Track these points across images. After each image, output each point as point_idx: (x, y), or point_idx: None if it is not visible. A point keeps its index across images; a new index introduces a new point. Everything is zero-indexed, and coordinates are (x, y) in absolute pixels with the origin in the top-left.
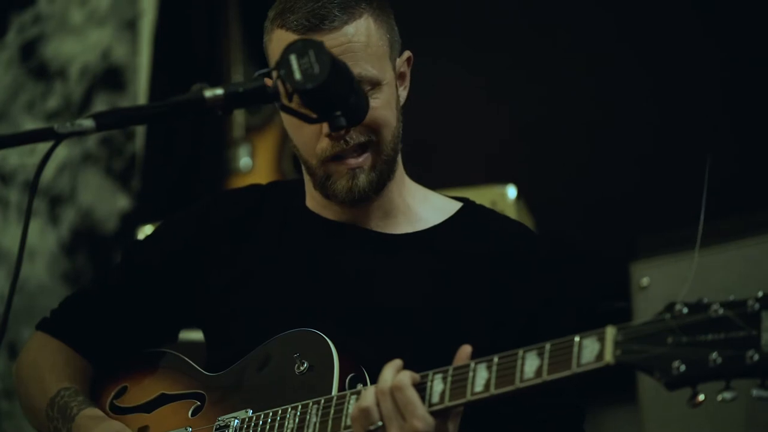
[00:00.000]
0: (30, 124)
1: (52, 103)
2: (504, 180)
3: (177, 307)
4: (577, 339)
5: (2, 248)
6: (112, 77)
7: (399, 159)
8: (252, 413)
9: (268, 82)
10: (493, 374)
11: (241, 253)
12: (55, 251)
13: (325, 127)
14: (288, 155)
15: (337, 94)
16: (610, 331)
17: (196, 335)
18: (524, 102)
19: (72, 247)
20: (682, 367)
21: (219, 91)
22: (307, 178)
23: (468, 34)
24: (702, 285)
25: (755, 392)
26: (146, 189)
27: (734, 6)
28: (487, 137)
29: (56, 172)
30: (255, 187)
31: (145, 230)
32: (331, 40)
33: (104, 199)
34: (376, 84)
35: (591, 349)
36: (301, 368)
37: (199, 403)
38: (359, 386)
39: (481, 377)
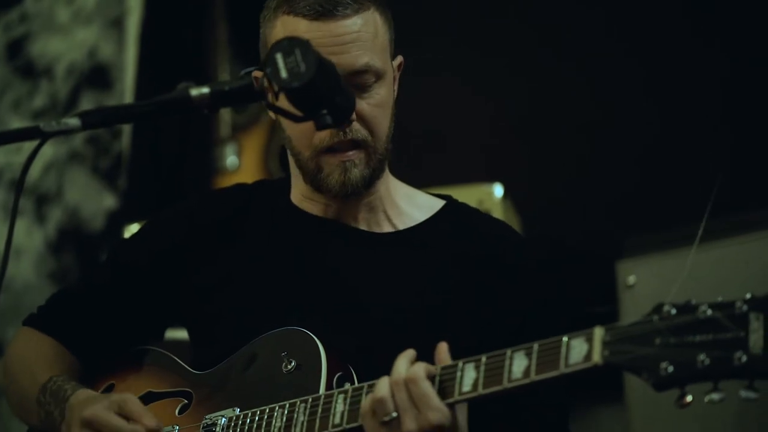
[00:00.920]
0: (16, 123)
1: (39, 101)
2: (491, 179)
3: (163, 306)
4: (565, 339)
5: None
6: (98, 76)
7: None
8: (239, 412)
9: (258, 74)
10: (481, 374)
11: (227, 252)
12: (42, 250)
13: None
14: (274, 154)
15: (323, 93)
16: (598, 332)
17: (183, 334)
18: (511, 100)
19: (58, 245)
20: (670, 368)
21: (205, 90)
22: (295, 172)
23: (456, 31)
24: (690, 285)
25: (743, 393)
26: (133, 188)
27: (732, 5)
28: (474, 136)
29: (43, 170)
30: (241, 187)
31: (132, 229)
32: (342, 28)
33: (91, 198)
34: (380, 77)
35: (579, 350)
36: (289, 367)
37: (186, 401)
38: (347, 385)
39: (468, 377)
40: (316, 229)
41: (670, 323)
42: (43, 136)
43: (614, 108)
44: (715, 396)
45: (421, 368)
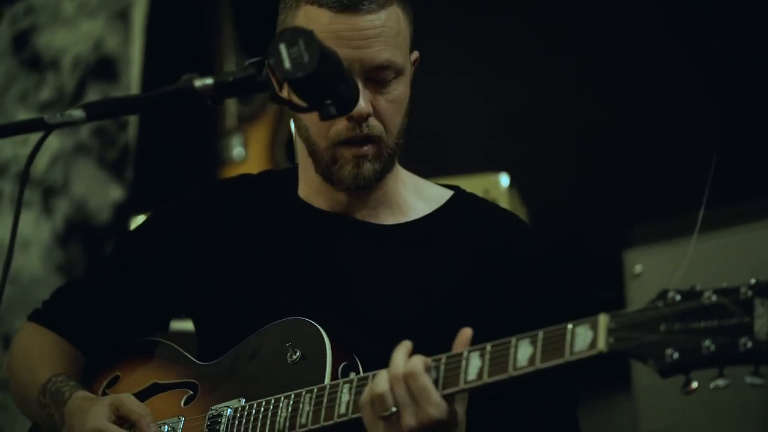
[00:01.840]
0: (23, 116)
1: (45, 94)
2: (497, 168)
3: (168, 298)
4: (570, 327)
5: None
6: (104, 68)
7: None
8: (245, 402)
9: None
10: (486, 362)
11: (232, 243)
12: (49, 242)
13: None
14: (280, 145)
15: (326, 83)
16: (603, 319)
17: (188, 325)
18: (518, 90)
19: (66, 238)
20: (676, 355)
21: (209, 81)
22: (304, 165)
23: (463, 24)
24: (694, 272)
25: (749, 379)
26: (139, 179)
27: (729, 2)
28: (480, 125)
29: (49, 163)
30: (246, 177)
31: (139, 221)
32: (366, 22)
33: (97, 190)
34: (399, 73)
35: (584, 337)
36: (294, 357)
37: (191, 392)
38: (352, 374)
39: (474, 365)
40: (322, 223)
41: (675, 309)
42: (47, 128)
43: (621, 98)
44: (721, 382)
45: (419, 361)
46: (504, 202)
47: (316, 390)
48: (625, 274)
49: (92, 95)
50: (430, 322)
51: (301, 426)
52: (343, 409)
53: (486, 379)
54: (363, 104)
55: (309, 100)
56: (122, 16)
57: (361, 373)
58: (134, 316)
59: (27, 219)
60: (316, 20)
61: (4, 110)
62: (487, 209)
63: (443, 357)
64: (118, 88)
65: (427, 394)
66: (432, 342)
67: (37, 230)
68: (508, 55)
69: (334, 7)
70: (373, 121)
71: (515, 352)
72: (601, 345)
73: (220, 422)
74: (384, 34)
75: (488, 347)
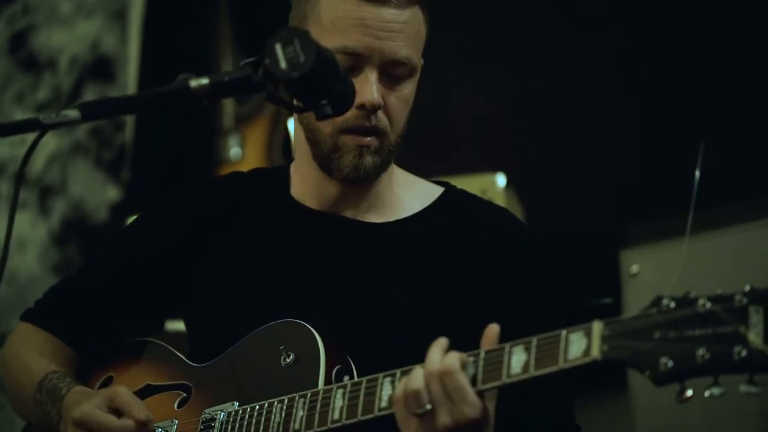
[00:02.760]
0: (20, 116)
1: (42, 94)
2: (493, 168)
3: (162, 297)
4: (564, 333)
5: None
6: (101, 68)
7: None
8: (238, 406)
9: None
10: (480, 369)
11: (224, 242)
12: (46, 242)
13: (357, 97)
14: (277, 145)
15: (322, 83)
16: (597, 326)
17: (181, 326)
18: (514, 90)
19: (62, 238)
20: (670, 363)
21: (204, 81)
22: (300, 159)
23: (459, 23)
24: (692, 272)
25: (743, 388)
26: (136, 180)
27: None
28: (477, 125)
29: (46, 163)
30: (237, 175)
31: None
32: (391, 15)
33: (94, 190)
34: (412, 73)
35: (578, 345)
36: (287, 360)
37: (185, 394)
38: (346, 379)
39: (468, 373)
40: (315, 222)
41: (669, 317)
42: (43, 128)
43: (616, 97)
44: (716, 390)
45: (455, 359)
46: (500, 202)
47: (309, 395)
48: (622, 274)
49: (89, 95)
50: (424, 320)
51: (295, 431)
52: (336, 415)
53: (480, 386)
54: (376, 95)
55: (305, 100)
56: (119, 16)
57: (355, 376)
58: (128, 315)
59: (24, 219)
60: (342, 5)
61: (1, 111)
62: (479, 205)
63: (481, 352)
64: (115, 89)
65: (463, 392)
66: (425, 341)
67: (33, 230)
68: (504, 55)
69: None
70: (380, 114)
71: (509, 359)
72: (595, 352)
73: (214, 426)
74: (406, 31)
75: (482, 353)
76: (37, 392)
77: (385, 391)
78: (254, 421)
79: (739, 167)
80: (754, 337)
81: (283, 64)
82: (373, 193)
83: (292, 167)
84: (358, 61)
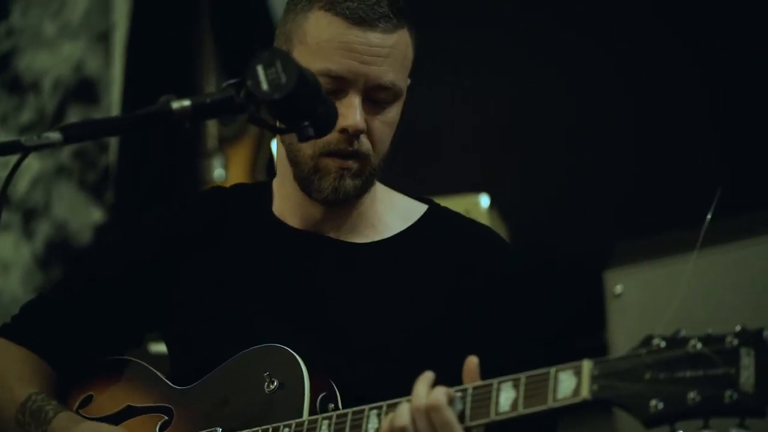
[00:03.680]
0: (3, 138)
1: (26, 116)
2: (477, 189)
3: (140, 313)
4: (553, 372)
5: None
6: (85, 90)
7: None
8: None
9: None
10: (468, 405)
11: (206, 261)
12: (30, 264)
13: (340, 121)
14: (261, 166)
15: (304, 104)
16: (587, 366)
17: (164, 348)
18: (497, 110)
19: (46, 260)
20: (660, 405)
21: (186, 103)
22: (282, 177)
23: (443, 43)
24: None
25: (734, 431)
26: (120, 201)
27: (724, 9)
28: (460, 146)
29: (30, 185)
30: (219, 190)
31: None
32: (378, 39)
33: (78, 212)
34: (397, 97)
35: (567, 384)
36: (272, 387)
37: (166, 417)
38: (330, 407)
39: (455, 408)
40: (298, 242)
41: (659, 357)
42: (24, 150)
43: (601, 117)
44: None
45: (442, 394)
46: (484, 223)
47: (294, 425)
48: (606, 294)
49: (73, 117)
50: (410, 339)
51: None
52: None
53: (468, 423)
54: (359, 119)
55: (287, 121)
56: (103, 39)
57: (340, 402)
58: (106, 331)
59: (7, 241)
60: (329, 28)
61: None
62: (462, 223)
63: (469, 388)
64: (98, 110)
65: (451, 429)
66: (412, 360)
67: (17, 252)
68: (487, 76)
69: (350, 19)
70: (363, 139)
71: (497, 396)
72: (585, 392)
73: None
74: (392, 56)
75: (469, 389)
76: (20, 413)
77: (372, 425)
78: None
79: (732, 185)
80: (745, 380)
81: (264, 86)
82: (355, 213)
83: (275, 183)
84: (342, 84)
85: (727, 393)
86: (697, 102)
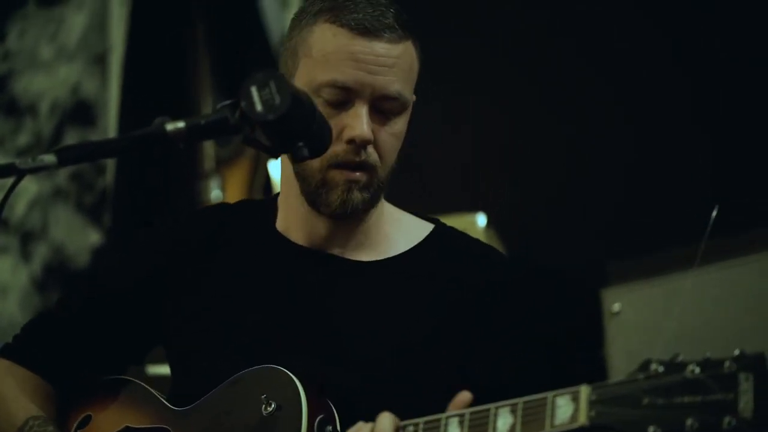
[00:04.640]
0: (0, 161)
1: (23, 139)
2: (474, 208)
3: (142, 331)
4: (550, 397)
5: None
6: (82, 112)
7: None
8: None
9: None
10: (465, 430)
11: (207, 277)
12: (28, 287)
13: (347, 131)
14: (258, 187)
15: (299, 125)
16: (585, 391)
17: (163, 370)
18: (493, 129)
19: (44, 283)
20: (658, 431)
21: (181, 124)
22: (286, 193)
23: (436, 60)
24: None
25: None
26: (117, 224)
27: (715, 22)
28: (457, 165)
29: (27, 208)
30: (223, 206)
31: None
32: (384, 49)
33: (76, 235)
34: (404, 109)
35: (565, 409)
36: (269, 409)
37: None
38: (328, 429)
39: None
40: (301, 259)
41: (657, 383)
42: (19, 173)
43: (596, 135)
44: None
45: (389, 424)
46: None
47: None
48: (604, 312)
49: (70, 140)
50: (413, 358)
51: None
52: None
53: None
54: (366, 129)
55: (281, 142)
56: (99, 61)
57: (338, 425)
58: (108, 348)
59: (5, 264)
60: (334, 39)
61: None
62: (468, 243)
63: (421, 422)
64: (96, 133)
65: None
66: (415, 378)
67: (14, 275)
68: (483, 95)
69: (355, 29)
70: (371, 150)
71: (495, 421)
72: (582, 418)
73: None
74: (398, 66)
75: (467, 414)
76: None
77: None
78: None
79: (729, 202)
80: (744, 405)
81: (258, 107)
82: (361, 230)
83: (279, 200)
84: (348, 95)
85: (726, 419)
86: (694, 120)
